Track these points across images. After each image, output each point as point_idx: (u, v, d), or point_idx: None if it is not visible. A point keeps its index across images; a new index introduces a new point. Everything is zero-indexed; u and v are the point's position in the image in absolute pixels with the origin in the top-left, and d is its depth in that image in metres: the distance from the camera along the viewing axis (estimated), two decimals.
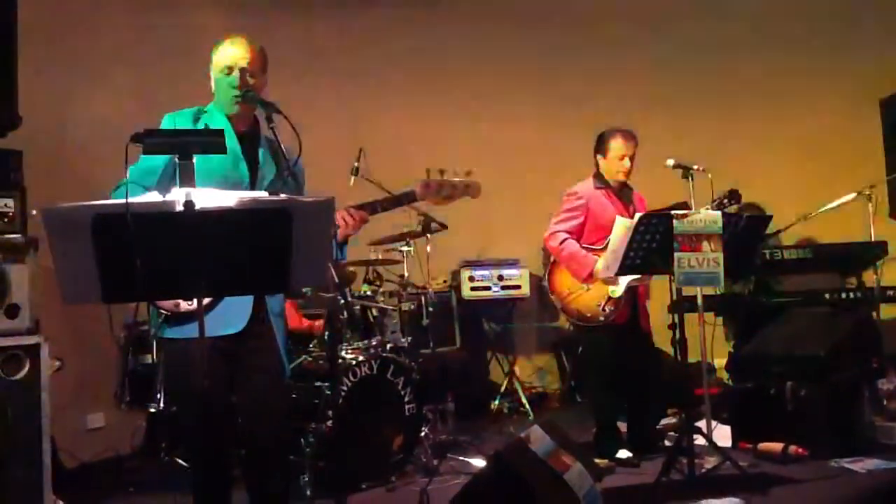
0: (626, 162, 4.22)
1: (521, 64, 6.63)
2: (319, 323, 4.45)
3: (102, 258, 1.77)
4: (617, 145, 4.22)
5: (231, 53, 2.68)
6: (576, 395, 6.08)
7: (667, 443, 4.36)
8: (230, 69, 2.67)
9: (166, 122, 2.66)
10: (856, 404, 4.26)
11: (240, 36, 2.74)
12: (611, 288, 4.08)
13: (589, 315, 4.16)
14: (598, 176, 4.31)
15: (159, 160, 2.54)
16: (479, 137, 6.26)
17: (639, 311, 4.24)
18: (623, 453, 4.13)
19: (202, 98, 2.77)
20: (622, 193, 4.31)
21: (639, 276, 3.86)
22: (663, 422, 4.77)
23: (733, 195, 4.10)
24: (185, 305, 2.51)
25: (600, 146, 4.30)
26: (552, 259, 4.37)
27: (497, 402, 5.86)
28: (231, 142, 2.59)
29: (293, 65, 5.48)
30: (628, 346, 4.18)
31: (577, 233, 4.23)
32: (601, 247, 4.12)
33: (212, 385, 2.53)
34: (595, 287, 4.13)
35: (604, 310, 4.11)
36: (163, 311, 2.55)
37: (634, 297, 4.19)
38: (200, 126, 2.64)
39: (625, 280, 3.97)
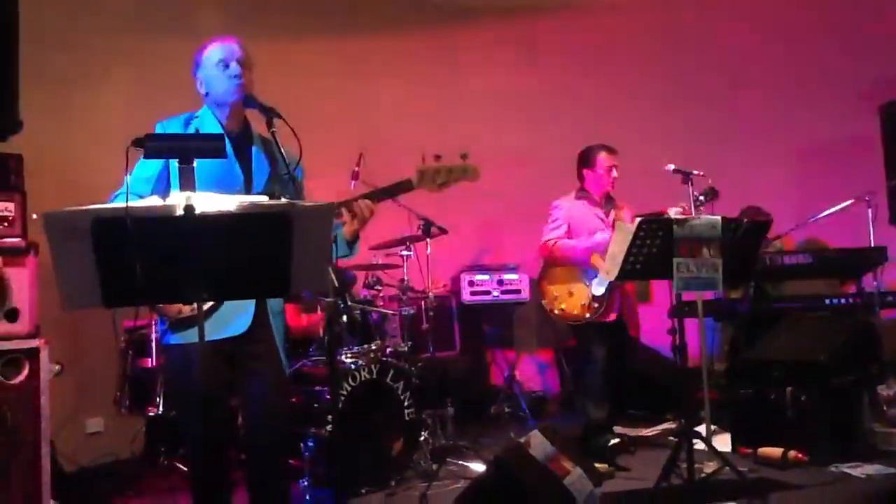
0: (615, 173, 4.37)
1: (520, 71, 6.64)
2: (317, 316, 4.44)
3: (103, 262, 1.77)
4: (603, 158, 4.37)
5: (224, 48, 2.70)
6: (575, 400, 6.08)
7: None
8: (226, 63, 2.68)
9: (158, 130, 2.66)
10: (855, 410, 4.26)
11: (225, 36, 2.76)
12: (593, 287, 4.17)
13: (577, 314, 4.24)
14: (581, 189, 4.45)
15: (153, 169, 2.57)
16: (481, 142, 6.23)
17: (625, 314, 4.29)
18: (613, 440, 4.21)
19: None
20: (604, 202, 4.43)
21: None
22: (663, 426, 4.76)
23: (711, 192, 4.24)
24: (186, 310, 2.52)
25: (587, 160, 4.43)
26: (542, 266, 4.44)
27: (496, 406, 5.85)
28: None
29: (294, 69, 5.49)
30: (616, 345, 4.27)
31: None
32: None
33: (213, 388, 2.54)
34: (577, 289, 4.23)
35: (589, 308, 4.17)
36: (165, 318, 2.56)
37: (623, 294, 4.28)
38: (191, 131, 2.65)
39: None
